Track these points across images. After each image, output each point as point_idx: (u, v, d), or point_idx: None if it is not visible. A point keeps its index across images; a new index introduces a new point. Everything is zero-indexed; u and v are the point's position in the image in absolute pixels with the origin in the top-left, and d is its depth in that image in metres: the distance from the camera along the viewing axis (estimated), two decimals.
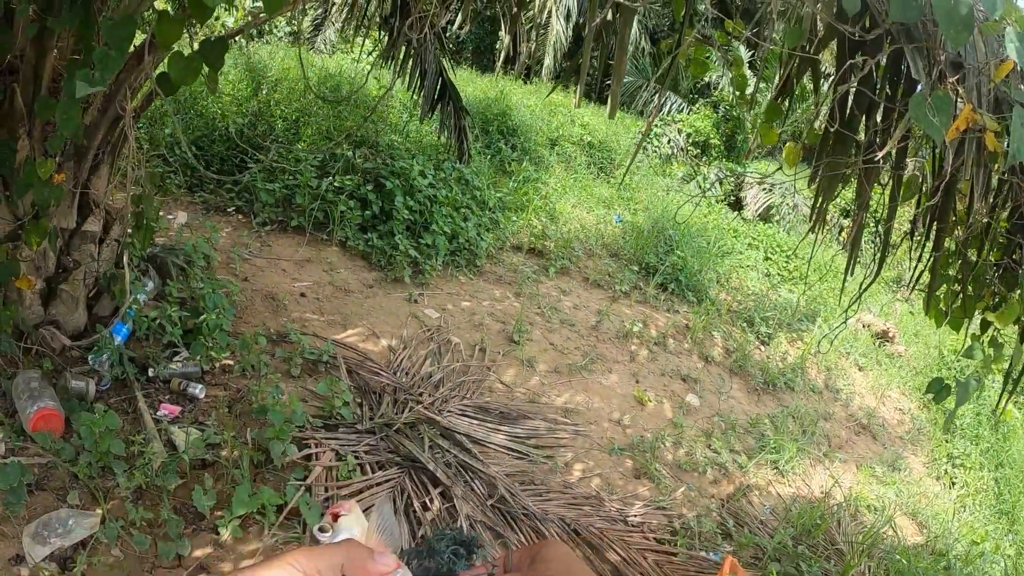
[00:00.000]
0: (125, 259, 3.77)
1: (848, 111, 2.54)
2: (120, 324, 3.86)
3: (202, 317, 4.17)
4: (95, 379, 3.64)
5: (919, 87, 2.13)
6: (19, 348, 3.50)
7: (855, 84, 2.30)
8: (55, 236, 3.37)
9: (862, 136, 2.79)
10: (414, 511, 3.72)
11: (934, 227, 3.01)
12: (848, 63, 2.21)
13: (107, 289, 3.89)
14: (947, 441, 7.54)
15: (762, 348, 7.91)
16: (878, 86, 2.57)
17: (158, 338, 4.14)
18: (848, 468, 6.23)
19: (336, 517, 0.88)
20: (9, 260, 3.24)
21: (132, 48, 3.19)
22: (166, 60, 2.36)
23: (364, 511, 0.91)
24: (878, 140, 2.70)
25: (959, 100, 2.07)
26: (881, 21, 2.24)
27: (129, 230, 3.96)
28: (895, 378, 8.63)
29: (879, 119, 2.71)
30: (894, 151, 2.50)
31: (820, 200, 2.79)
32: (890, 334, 9.66)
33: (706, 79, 16.46)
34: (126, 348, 3.89)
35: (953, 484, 6.94)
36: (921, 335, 10.25)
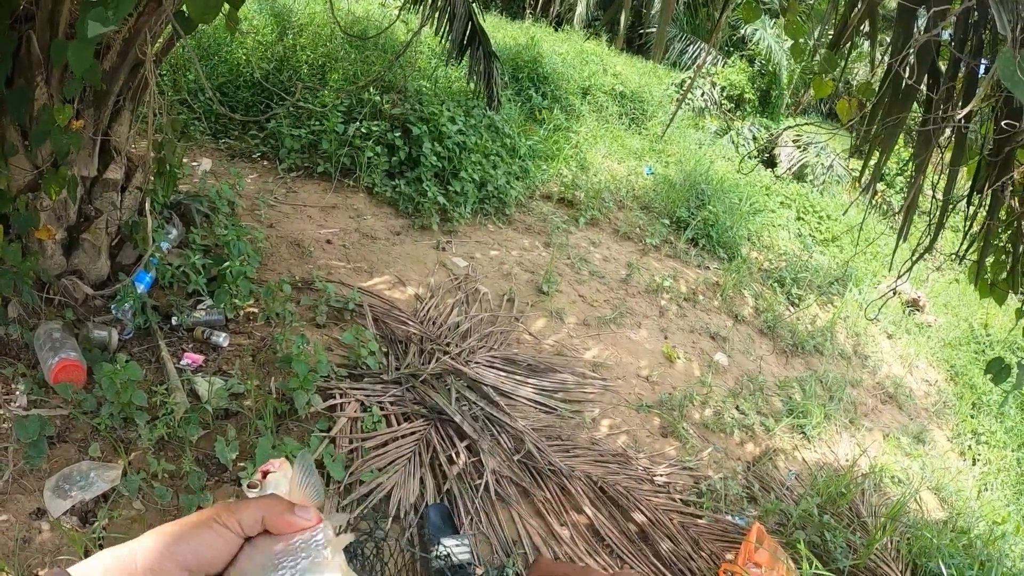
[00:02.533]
0: (148, 207, 3.69)
1: (911, 65, 2.38)
2: (143, 272, 3.80)
3: (226, 264, 4.10)
4: (118, 328, 3.59)
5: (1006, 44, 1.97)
6: (41, 299, 3.44)
7: (932, 35, 2.14)
8: (75, 184, 3.29)
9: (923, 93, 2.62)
10: (440, 464, 3.67)
11: (989, 194, 2.85)
12: (935, 10, 2.05)
13: (130, 237, 3.82)
14: (972, 417, 7.40)
15: (791, 309, 7.76)
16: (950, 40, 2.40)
17: (182, 286, 4.08)
18: (873, 437, 6.12)
19: (265, 475, 0.91)
20: (29, 210, 3.17)
21: None
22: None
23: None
24: (940, 98, 2.54)
25: None
26: None
27: (152, 177, 3.88)
28: (924, 348, 8.47)
29: (943, 76, 2.55)
30: (957, 112, 2.35)
31: (879, 157, 2.63)
32: (920, 303, 9.48)
33: (741, 32, 16.08)
34: (149, 297, 3.83)
35: (976, 461, 6.81)
36: (951, 306, 10.07)
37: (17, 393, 3.13)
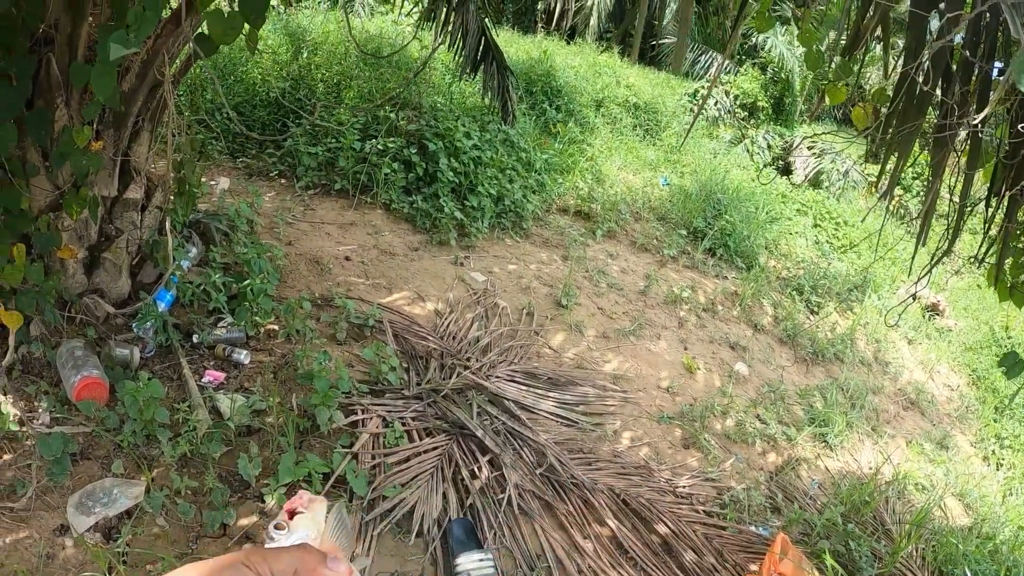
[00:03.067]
0: (168, 226, 3.73)
1: (926, 71, 2.38)
2: (164, 291, 3.83)
3: (246, 282, 4.13)
4: (139, 346, 3.62)
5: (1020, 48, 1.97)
6: (63, 317, 3.48)
7: (946, 40, 2.14)
8: (96, 204, 3.33)
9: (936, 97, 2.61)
10: (462, 479, 3.67)
11: (1006, 196, 2.83)
12: (950, 15, 2.05)
13: (150, 256, 3.86)
14: (995, 421, 7.33)
15: (811, 317, 7.72)
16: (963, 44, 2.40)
17: (202, 304, 4.12)
18: (896, 444, 6.07)
19: (292, 515, 0.90)
20: (50, 230, 3.21)
21: (168, 11, 3.12)
22: (205, 21, 2.27)
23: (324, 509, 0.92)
24: (955, 102, 2.53)
25: None
26: None
27: (171, 196, 3.92)
28: (945, 353, 8.40)
29: (956, 79, 2.54)
30: (973, 116, 2.34)
31: (896, 163, 2.62)
32: (940, 307, 9.40)
33: (753, 40, 16.08)
34: (170, 315, 3.86)
35: (1000, 465, 6.72)
36: (971, 310, 9.98)
37: (40, 410, 3.17)
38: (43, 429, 3.08)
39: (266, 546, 0.82)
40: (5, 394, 3.20)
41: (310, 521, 0.90)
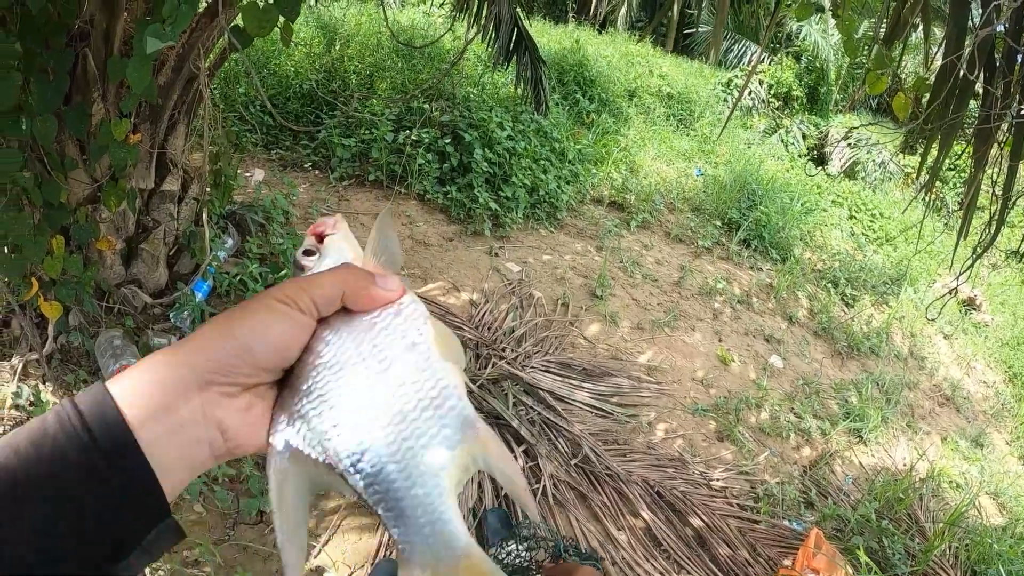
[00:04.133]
0: (204, 217, 3.76)
1: (969, 61, 2.33)
2: (201, 281, 3.87)
3: (282, 272, 4.16)
4: (177, 336, 3.66)
5: None
6: (101, 308, 3.52)
7: (991, 30, 2.09)
8: (134, 197, 3.36)
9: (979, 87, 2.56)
10: None
11: None
12: (993, 4, 2.01)
13: (187, 247, 3.90)
14: None
15: (847, 311, 7.63)
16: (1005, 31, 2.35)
17: (239, 294, 4.15)
18: (931, 440, 5.98)
19: (321, 238, 0.74)
20: (89, 222, 3.25)
21: (203, 4, 3.14)
22: (240, 14, 2.28)
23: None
24: (997, 91, 2.48)
25: None
26: None
27: (208, 188, 3.95)
28: (981, 349, 8.26)
29: (1000, 68, 2.49)
30: (1018, 106, 2.29)
31: (938, 155, 2.58)
32: (977, 302, 9.24)
33: (787, 29, 15.89)
34: (207, 305, 3.90)
35: None
36: (1008, 305, 9.79)
37: None
38: None
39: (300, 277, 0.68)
40: (45, 382, 3.25)
41: (342, 242, 0.74)
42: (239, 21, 2.41)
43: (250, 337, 0.58)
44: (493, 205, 6.29)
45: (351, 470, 0.57)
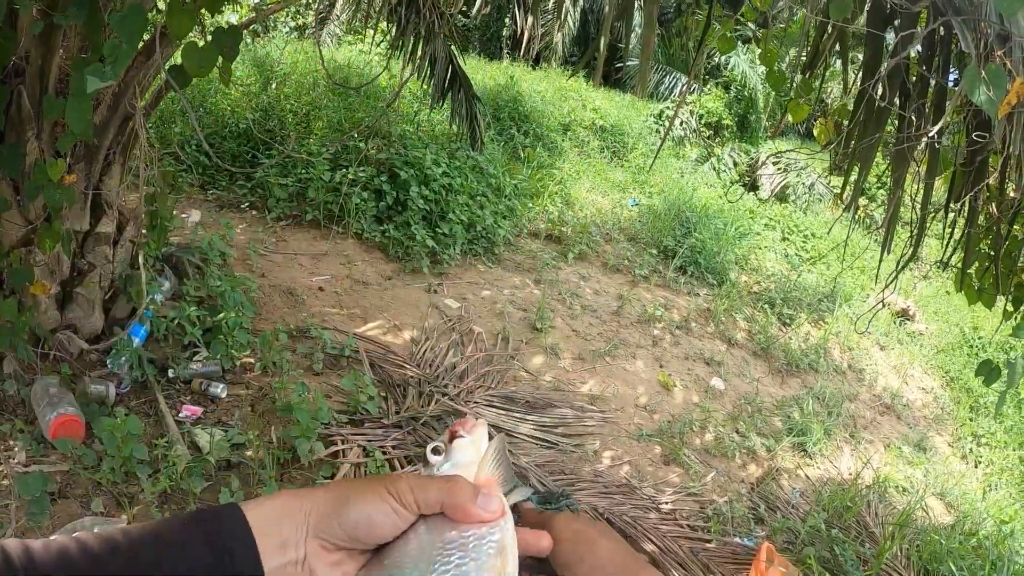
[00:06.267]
0: (140, 259, 3.71)
1: (882, 86, 2.45)
2: (138, 326, 3.81)
3: (221, 315, 4.11)
4: (115, 382, 3.58)
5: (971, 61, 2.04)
6: (36, 354, 3.44)
7: (901, 57, 2.20)
8: (69, 239, 3.31)
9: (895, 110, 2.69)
10: None
11: (967, 202, 2.91)
12: (907, 32, 2.12)
13: (123, 291, 3.83)
14: (971, 420, 7.44)
15: (784, 330, 7.81)
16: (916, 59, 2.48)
17: (177, 338, 4.09)
18: (875, 449, 6.14)
19: (453, 437, 0.82)
20: (23, 266, 3.19)
21: (141, 43, 3.13)
22: (178, 53, 2.29)
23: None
24: (911, 115, 2.61)
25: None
26: None
27: (143, 230, 3.90)
28: (917, 357, 8.53)
29: (913, 93, 2.62)
30: (930, 127, 2.41)
31: (859, 175, 2.69)
32: (910, 312, 9.55)
33: (716, 60, 16.33)
34: (145, 350, 3.83)
35: (979, 463, 6.83)
36: (941, 313, 10.14)
37: (16, 449, 3.13)
38: (20, 468, 3.04)
39: (422, 471, 0.78)
40: None
41: (471, 446, 0.81)
42: (177, 59, 2.41)
43: (357, 517, 0.66)
44: (431, 242, 6.31)
45: None
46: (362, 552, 0.69)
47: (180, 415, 3.66)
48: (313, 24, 13.34)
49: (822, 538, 4.31)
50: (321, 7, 13.16)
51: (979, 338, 9.34)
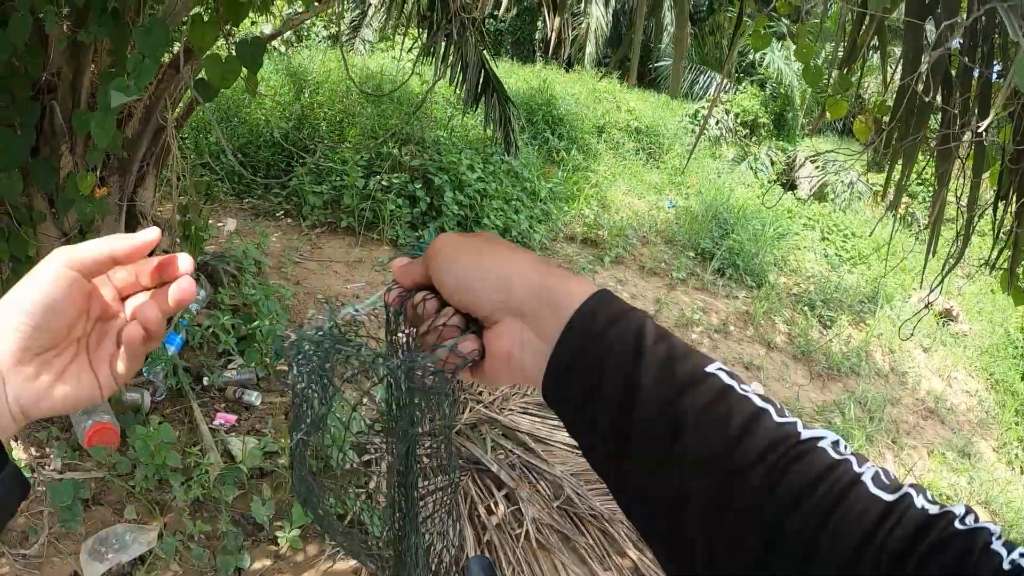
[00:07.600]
0: None
1: (926, 80, 2.37)
2: (173, 334, 3.83)
3: (255, 323, 4.12)
4: (150, 390, 3.61)
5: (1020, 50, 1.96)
6: None
7: (945, 48, 2.13)
8: None
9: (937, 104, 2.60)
10: (478, 515, 3.62)
11: (1015, 199, 2.81)
12: (945, 24, 2.04)
13: None
14: (1017, 425, 7.24)
15: (824, 332, 7.67)
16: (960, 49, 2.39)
17: (212, 347, 4.11)
18: (918, 455, 6.00)
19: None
20: None
21: (168, 57, 3.14)
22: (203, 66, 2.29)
23: None
24: (956, 110, 2.52)
25: None
26: None
27: (178, 240, 3.93)
28: (961, 359, 8.32)
29: (956, 86, 2.53)
30: (976, 123, 2.33)
31: (901, 174, 2.61)
32: (953, 313, 9.32)
33: (750, 57, 16.14)
34: (180, 358, 3.85)
35: None
36: (985, 313, 9.88)
37: (51, 457, 3.16)
38: (54, 475, 3.07)
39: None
40: (16, 440, 3.19)
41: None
42: (203, 73, 2.41)
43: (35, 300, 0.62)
44: None
45: None
46: (52, 349, 0.64)
47: (215, 423, 3.67)
48: (344, 31, 13.41)
49: None
50: (353, 15, 13.24)
51: None
